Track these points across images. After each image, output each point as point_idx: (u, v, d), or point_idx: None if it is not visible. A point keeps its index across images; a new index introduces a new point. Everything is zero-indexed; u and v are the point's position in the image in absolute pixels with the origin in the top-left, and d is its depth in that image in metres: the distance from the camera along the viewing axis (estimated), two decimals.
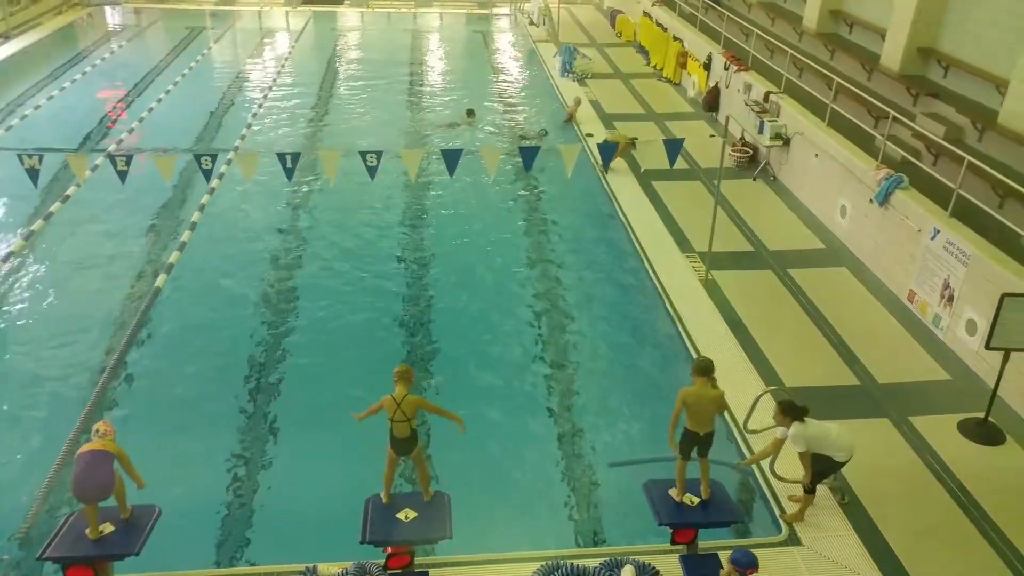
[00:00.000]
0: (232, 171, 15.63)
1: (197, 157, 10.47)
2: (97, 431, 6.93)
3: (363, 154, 10.50)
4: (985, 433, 9.12)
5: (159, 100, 20.48)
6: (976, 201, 10.78)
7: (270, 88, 21.99)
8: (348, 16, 31.98)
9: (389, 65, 24.80)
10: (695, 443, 7.41)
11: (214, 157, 10.49)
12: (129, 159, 10.12)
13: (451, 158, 10.61)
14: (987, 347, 8.84)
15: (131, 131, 18.32)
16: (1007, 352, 8.78)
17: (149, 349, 10.87)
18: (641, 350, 11.17)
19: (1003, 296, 8.60)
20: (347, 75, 24.09)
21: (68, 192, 14.85)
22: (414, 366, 9.39)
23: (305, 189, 15.66)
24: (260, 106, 20.41)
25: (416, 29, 30.24)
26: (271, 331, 11.36)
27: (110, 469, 6.75)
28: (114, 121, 19.21)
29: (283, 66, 24.43)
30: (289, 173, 10.59)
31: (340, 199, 15.07)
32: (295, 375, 10.47)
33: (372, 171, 10.56)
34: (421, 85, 23.03)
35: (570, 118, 19.24)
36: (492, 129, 19.42)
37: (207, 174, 10.49)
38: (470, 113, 19.59)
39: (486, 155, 11.11)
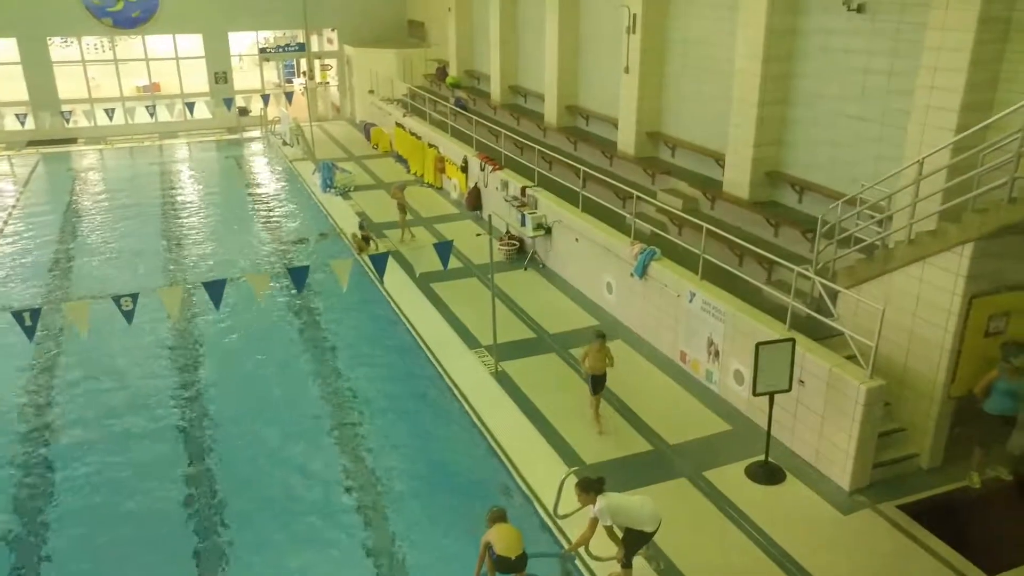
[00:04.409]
0: None
1: None
2: None
3: (116, 299, 9.73)
4: (768, 474, 9.81)
5: None
6: (719, 263, 11.87)
7: None
8: (85, 155, 29.92)
9: (139, 202, 23.35)
10: (508, 569, 7.68)
11: None
12: None
13: (214, 290, 10.10)
14: (754, 394, 9.62)
15: None
16: (771, 395, 9.60)
17: None
18: (444, 453, 10.97)
19: (757, 345, 9.43)
20: (92, 218, 22.32)
21: None
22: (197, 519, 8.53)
23: (55, 345, 14.19)
24: None
25: (164, 162, 28.82)
26: (27, 511, 9.96)
27: None
28: None
29: (10, 216, 22.13)
30: (29, 332, 9.56)
31: (98, 349, 13.79)
32: (63, 548, 9.19)
33: (129, 315, 9.81)
34: (177, 218, 21.93)
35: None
36: (260, 253, 18.86)
37: None
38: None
39: (252, 280, 10.71)
